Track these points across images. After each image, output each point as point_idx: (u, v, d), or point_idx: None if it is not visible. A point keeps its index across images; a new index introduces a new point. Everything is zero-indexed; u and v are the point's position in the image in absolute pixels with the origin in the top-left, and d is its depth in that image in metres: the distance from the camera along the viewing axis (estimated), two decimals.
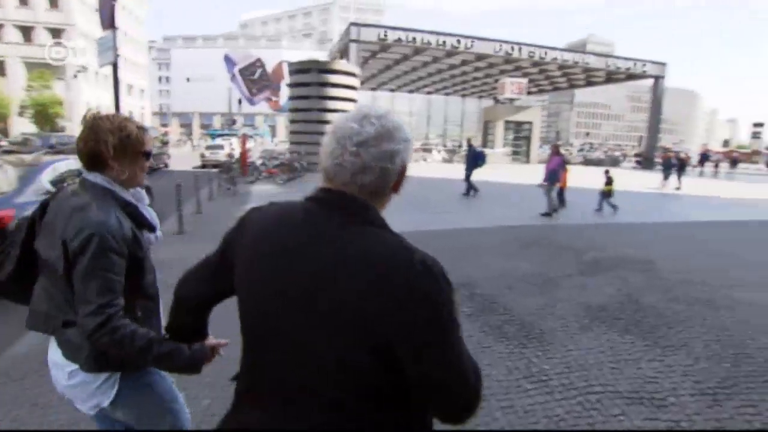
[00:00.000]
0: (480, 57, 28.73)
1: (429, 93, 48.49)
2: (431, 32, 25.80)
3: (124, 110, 12.57)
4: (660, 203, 12.83)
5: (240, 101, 52.92)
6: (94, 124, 1.26)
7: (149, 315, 1.35)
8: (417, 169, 19.29)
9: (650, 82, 33.36)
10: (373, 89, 46.78)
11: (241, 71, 69.51)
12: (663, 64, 31.29)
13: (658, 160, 25.47)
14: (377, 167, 0.84)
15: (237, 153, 17.70)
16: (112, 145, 1.25)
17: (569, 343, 3.34)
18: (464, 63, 31.08)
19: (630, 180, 20.38)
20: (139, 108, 48.66)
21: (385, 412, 0.82)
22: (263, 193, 11.78)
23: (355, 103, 19.55)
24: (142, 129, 1.34)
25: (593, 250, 6.18)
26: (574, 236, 7.21)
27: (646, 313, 3.95)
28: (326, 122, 18.12)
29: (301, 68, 18.87)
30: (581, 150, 40.69)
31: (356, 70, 19.85)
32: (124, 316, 1.17)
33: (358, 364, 0.78)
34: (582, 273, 5.13)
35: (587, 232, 7.73)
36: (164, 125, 64.46)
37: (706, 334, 3.54)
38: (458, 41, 26.33)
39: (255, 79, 70.43)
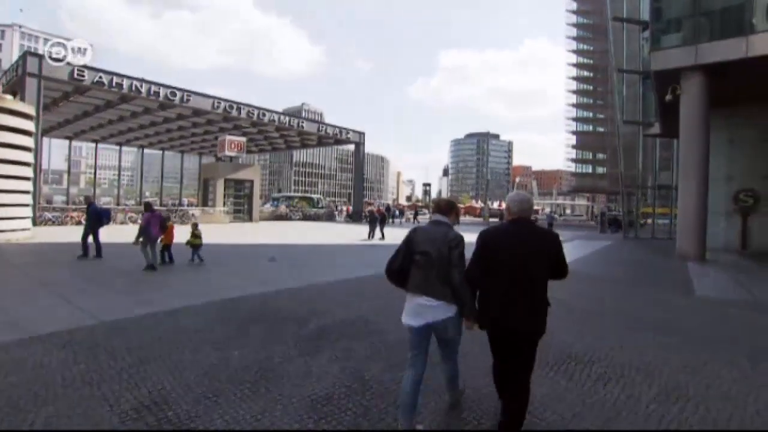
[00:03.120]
0: (197, 112, 27.52)
1: (142, 147, 43.37)
2: (141, 80, 23.23)
3: None
4: (374, 254, 14.08)
5: None
6: (443, 200, 3.43)
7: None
8: (116, 233, 16.11)
9: (353, 147, 38.77)
10: (69, 138, 38.85)
11: None
12: (362, 133, 36.98)
13: (365, 214, 29.25)
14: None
15: None
16: (445, 206, 3.29)
17: None
18: (181, 117, 29.15)
19: (344, 233, 22.50)
20: None
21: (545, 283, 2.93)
22: None
23: (29, 151, 15.26)
24: (454, 201, 3.59)
25: (315, 317, 5.92)
26: (294, 303, 6.87)
27: (374, 393, 3.68)
28: None
29: None
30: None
31: (29, 110, 15.67)
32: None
33: (546, 270, 2.89)
34: (303, 353, 4.58)
35: (305, 294, 7.53)
36: None
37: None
38: (173, 93, 24.59)
39: None
